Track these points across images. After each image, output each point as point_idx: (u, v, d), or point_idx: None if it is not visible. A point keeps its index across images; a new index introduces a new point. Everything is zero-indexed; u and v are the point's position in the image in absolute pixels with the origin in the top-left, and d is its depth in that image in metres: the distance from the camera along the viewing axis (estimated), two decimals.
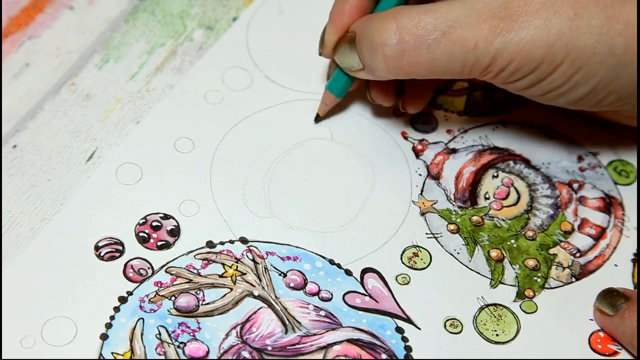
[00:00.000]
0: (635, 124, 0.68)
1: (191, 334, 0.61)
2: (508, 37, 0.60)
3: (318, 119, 0.70)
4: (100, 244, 0.64)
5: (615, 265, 0.66)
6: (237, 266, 0.64)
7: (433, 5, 0.62)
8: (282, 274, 0.64)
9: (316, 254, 0.65)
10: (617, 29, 0.61)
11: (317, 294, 0.63)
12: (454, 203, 0.68)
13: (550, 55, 0.61)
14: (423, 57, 0.61)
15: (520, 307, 0.64)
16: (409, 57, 0.62)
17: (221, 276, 0.63)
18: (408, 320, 0.63)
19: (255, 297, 0.63)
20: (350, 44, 0.65)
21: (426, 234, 0.66)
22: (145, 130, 0.69)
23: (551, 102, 0.64)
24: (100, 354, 0.60)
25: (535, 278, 0.65)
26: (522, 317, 0.64)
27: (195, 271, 0.63)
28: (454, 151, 0.70)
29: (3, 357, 0.59)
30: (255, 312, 0.62)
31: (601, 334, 0.63)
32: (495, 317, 0.63)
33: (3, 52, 0.72)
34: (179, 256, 0.64)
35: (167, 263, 0.63)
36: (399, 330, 0.62)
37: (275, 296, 0.63)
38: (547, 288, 0.65)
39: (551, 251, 0.66)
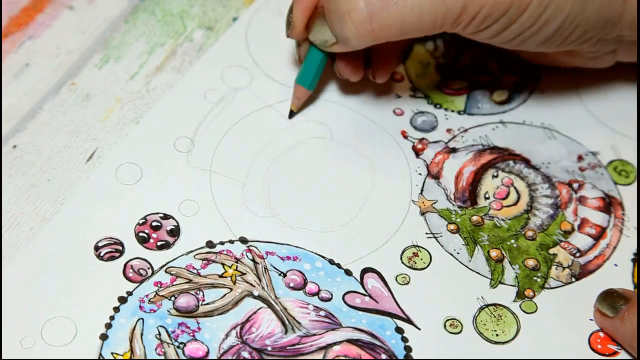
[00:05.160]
0: (594, 66, 0.69)
1: (191, 334, 0.61)
2: None
3: (292, 114, 0.70)
4: (100, 244, 0.64)
5: (615, 265, 0.66)
6: (236, 266, 0.64)
7: None
8: (281, 274, 0.64)
9: (316, 253, 0.65)
10: None
11: (317, 294, 0.63)
12: (453, 203, 0.68)
13: None
14: (392, 17, 0.61)
15: (520, 307, 0.64)
16: (378, 20, 0.61)
17: (221, 276, 0.63)
18: (408, 321, 0.63)
19: (255, 297, 0.63)
20: (321, 19, 0.64)
21: (426, 233, 0.66)
22: (145, 130, 0.69)
23: (520, 46, 0.64)
24: (100, 354, 0.60)
25: (535, 278, 0.65)
26: (522, 317, 0.64)
27: (195, 271, 0.63)
28: (454, 150, 0.70)
29: (3, 357, 0.59)
30: (255, 312, 0.62)
31: (601, 334, 0.63)
32: (495, 317, 0.63)
33: (3, 52, 0.72)
34: (179, 256, 0.64)
35: (167, 263, 0.63)
36: (399, 330, 0.62)
37: (275, 296, 0.63)
38: (547, 288, 0.65)
39: (551, 251, 0.66)
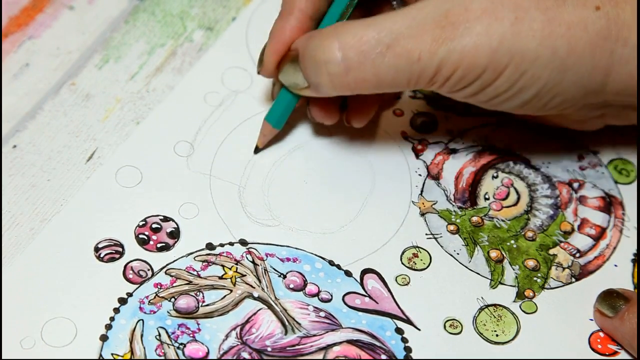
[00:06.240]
0: (583, 129, 0.68)
1: (191, 335, 0.61)
2: (451, 45, 0.59)
3: (257, 150, 0.69)
4: (100, 245, 0.64)
5: (615, 265, 0.66)
6: (236, 268, 0.64)
7: (374, 19, 0.61)
8: (281, 275, 0.64)
9: (316, 255, 0.65)
10: (559, 32, 0.60)
11: (316, 295, 0.63)
12: (453, 203, 0.68)
13: (494, 60, 0.60)
14: (368, 72, 0.60)
15: (520, 307, 0.64)
16: (354, 74, 0.60)
17: (221, 278, 0.63)
18: (408, 321, 0.63)
19: (255, 298, 0.63)
20: (293, 62, 0.64)
21: (426, 234, 0.66)
22: (145, 133, 0.69)
23: (497, 107, 0.63)
24: (100, 355, 0.60)
25: (535, 278, 0.65)
26: (522, 318, 0.64)
27: (195, 273, 0.63)
28: (454, 151, 0.70)
29: (3, 358, 0.60)
30: (255, 314, 0.62)
31: (601, 334, 0.63)
32: (495, 317, 0.64)
33: (3, 52, 0.72)
34: (179, 258, 0.64)
35: (167, 265, 0.64)
36: (399, 331, 0.62)
37: (275, 297, 0.63)
38: (547, 288, 0.65)
39: (551, 251, 0.66)
